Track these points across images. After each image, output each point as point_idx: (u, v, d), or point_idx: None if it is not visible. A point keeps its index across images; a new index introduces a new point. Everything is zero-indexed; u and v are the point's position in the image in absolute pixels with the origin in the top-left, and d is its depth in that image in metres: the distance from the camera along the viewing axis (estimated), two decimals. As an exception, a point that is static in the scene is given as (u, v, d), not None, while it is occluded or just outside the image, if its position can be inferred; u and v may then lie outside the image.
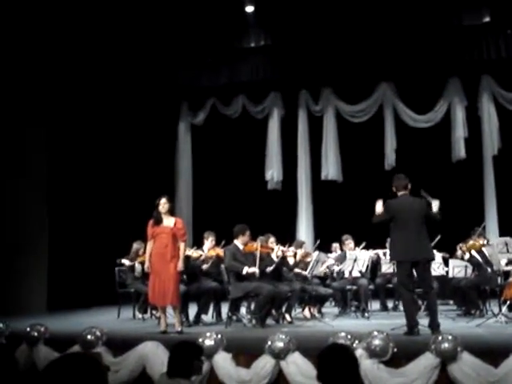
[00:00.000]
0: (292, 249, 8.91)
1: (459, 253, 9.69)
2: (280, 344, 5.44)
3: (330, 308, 9.83)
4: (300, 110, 13.20)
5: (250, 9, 11.52)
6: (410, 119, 12.51)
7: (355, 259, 8.88)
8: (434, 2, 11.07)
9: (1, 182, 10.34)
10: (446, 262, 9.26)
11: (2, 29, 9.94)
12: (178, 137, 13.78)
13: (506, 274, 8.54)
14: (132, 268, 9.17)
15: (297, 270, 8.91)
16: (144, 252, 8.19)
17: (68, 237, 11.10)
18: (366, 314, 8.73)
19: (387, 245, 9.49)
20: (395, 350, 5.27)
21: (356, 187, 12.52)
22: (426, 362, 5.10)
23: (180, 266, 7.12)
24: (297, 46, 12.10)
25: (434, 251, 8.61)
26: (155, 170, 12.58)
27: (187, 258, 7.86)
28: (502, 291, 8.14)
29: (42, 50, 10.58)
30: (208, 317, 8.51)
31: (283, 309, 8.20)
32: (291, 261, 8.83)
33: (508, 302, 7.88)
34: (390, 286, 9.35)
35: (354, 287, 9.08)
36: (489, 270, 8.45)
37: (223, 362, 5.57)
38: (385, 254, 9.63)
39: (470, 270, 8.76)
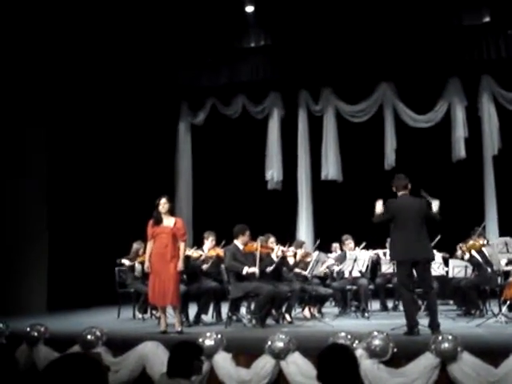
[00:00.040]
0: (292, 249, 8.91)
1: (459, 253, 9.69)
2: (280, 344, 5.44)
3: (330, 308, 9.82)
4: (300, 110, 13.21)
5: (249, 9, 11.52)
6: (410, 119, 12.51)
7: (355, 259, 8.88)
8: (434, 2, 11.07)
9: (1, 181, 10.34)
10: (446, 262, 9.27)
11: (3, 29, 9.93)
12: (178, 137, 13.78)
13: (506, 274, 8.54)
14: (132, 268, 9.17)
15: (297, 270, 8.91)
16: (144, 252, 8.19)
17: (68, 237, 11.10)
18: (366, 314, 8.73)
19: (387, 245, 9.50)
20: (395, 350, 5.27)
21: (356, 187, 12.52)
22: (426, 361, 5.10)
23: (180, 265, 7.12)
24: (297, 45, 12.10)
25: (434, 251, 8.63)
26: (155, 170, 12.58)
27: (187, 258, 7.86)
28: (501, 291, 8.14)
29: (43, 51, 10.58)
30: (208, 317, 8.51)
31: (283, 309, 8.20)
32: (291, 261, 8.83)
33: (508, 302, 7.88)
34: (390, 285, 9.35)
35: (354, 287, 9.08)
36: (489, 270, 8.45)
37: (223, 362, 5.57)
38: (385, 254, 9.63)
39: (470, 270, 8.76)
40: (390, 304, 9.81)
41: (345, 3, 11.17)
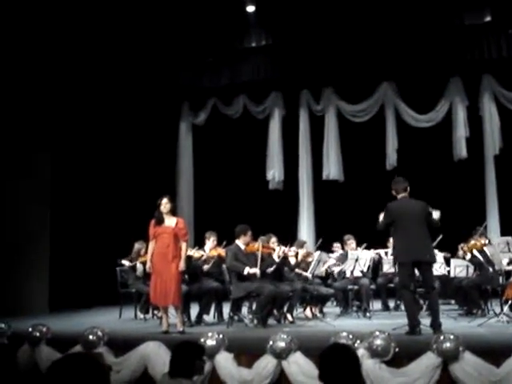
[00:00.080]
0: (293, 249, 8.91)
1: (460, 253, 9.68)
2: (282, 344, 5.44)
3: (331, 308, 9.83)
4: (301, 110, 13.20)
5: (250, 9, 11.53)
6: (412, 119, 12.51)
7: (357, 259, 8.88)
8: (436, 1, 11.07)
9: (3, 182, 10.36)
10: (447, 262, 9.27)
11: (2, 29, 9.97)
12: (179, 137, 13.78)
13: (508, 274, 8.53)
14: (133, 268, 9.18)
15: (298, 271, 8.91)
16: (146, 252, 8.20)
17: (70, 237, 11.12)
18: (368, 314, 8.73)
19: (388, 244, 9.53)
20: (397, 349, 5.27)
21: (357, 187, 12.53)
22: (428, 361, 5.10)
23: (182, 265, 7.13)
24: (298, 45, 12.10)
25: (436, 251, 8.65)
26: (156, 170, 12.59)
27: (189, 258, 7.86)
28: (503, 291, 8.14)
29: (43, 52, 10.59)
30: (210, 317, 8.51)
31: (285, 309, 8.20)
32: (293, 261, 8.84)
33: (510, 302, 7.86)
34: (392, 285, 9.35)
35: (356, 287, 9.08)
36: (490, 269, 8.44)
37: (225, 361, 5.57)
38: (386, 254, 9.64)
39: (471, 270, 8.75)
40: (391, 304, 9.80)
41: (346, 3, 11.17)
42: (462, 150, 12.13)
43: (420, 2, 11.05)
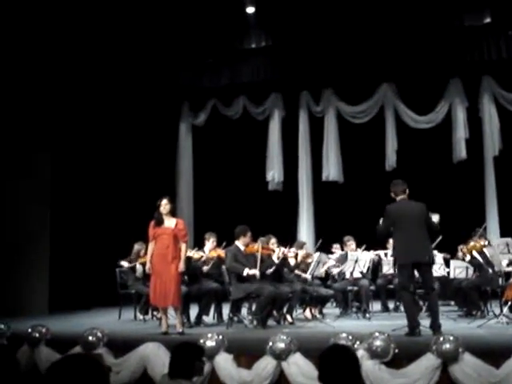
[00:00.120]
0: (293, 250, 8.91)
1: (460, 254, 9.69)
2: (281, 345, 5.44)
3: (331, 309, 9.83)
4: (301, 111, 13.21)
5: (250, 10, 11.53)
6: (411, 120, 12.51)
7: (356, 260, 8.88)
8: (435, 2, 11.07)
9: (3, 182, 10.36)
10: (447, 263, 9.27)
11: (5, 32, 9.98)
12: (179, 137, 13.79)
13: (507, 275, 8.53)
14: (133, 269, 9.18)
15: (297, 272, 8.91)
16: (145, 253, 8.20)
17: (69, 238, 11.11)
18: (367, 315, 8.73)
19: (388, 245, 9.53)
20: (396, 350, 5.27)
21: (357, 188, 12.54)
22: (428, 362, 5.10)
23: (181, 266, 7.13)
24: (298, 46, 12.11)
25: (435, 252, 8.66)
26: (156, 171, 12.59)
27: (188, 259, 7.85)
28: (503, 292, 8.14)
29: (43, 52, 10.59)
30: (209, 318, 8.50)
31: (284, 310, 8.20)
32: (292, 262, 8.84)
33: (509, 303, 7.86)
34: (391, 286, 9.34)
35: (355, 288, 9.08)
36: (490, 270, 8.44)
37: (224, 362, 5.57)
38: (386, 255, 9.65)
39: (471, 271, 8.76)
40: (391, 305, 9.81)
41: (346, 4, 11.18)
42: (461, 151, 12.14)
43: (420, 4, 11.06)
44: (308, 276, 8.79)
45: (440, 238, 8.48)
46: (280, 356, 5.40)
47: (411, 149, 12.39)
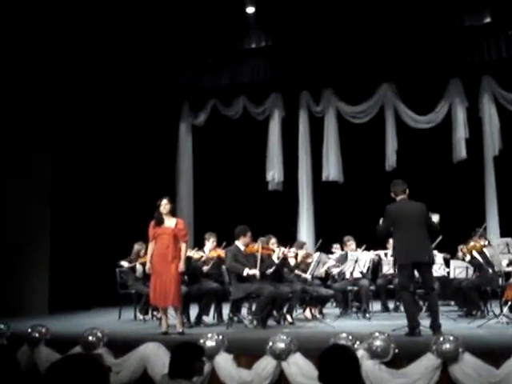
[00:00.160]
0: (293, 250, 8.91)
1: (460, 254, 9.69)
2: (281, 345, 5.44)
3: (331, 309, 9.83)
4: (301, 111, 13.21)
5: (250, 10, 11.52)
6: (411, 120, 12.51)
7: (356, 260, 8.88)
8: (435, 2, 11.07)
9: (3, 182, 10.36)
10: (447, 263, 9.27)
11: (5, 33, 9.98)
12: (179, 137, 13.78)
13: (507, 275, 8.53)
14: (133, 269, 9.18)
15: (297, 272, 8.91)
16: (145, 253, 8.20)
17: (69, 238, 11.11)
18: (367, 315, 8.73)
19: (388, 245, 9.53)
20: (396, 350, 5.27)
21: (357, 188, 12.54)
22: (428, 362, 5.10)
23: (181, 266, 7.12)
24: (298, 46, 12.11)
25: (436, 252, 8.66)
26: (156, 171, 12.59)
27: (188, 259, 7.85)
28: (503, 292, 8.14)
29: (43, 52, 10.59)
30: (209, 318, 8.50)
31: (284, 310, 8.20)
32: (292, 262, 8.84)
33: (509, 303, 7.86)
34: (391, 286, 9.34)
35: (355, 288, 9.08)
36: (490, 270, 8.44)
37: (224, 362, 5.57)
38: (386, 255, 9.65)
39: (471, 271, 8.76)
40: (391, 305, 9.81)
41: (346, 4, 11.18)
42: (461, 151, 12.14)
43: (420, 4, 11.06)
44: (308, 276, 8.78)
45: (440, 238, 8.48)
46: (280, 356, 5.40)
47: (411, 149, 12.39)
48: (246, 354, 5.72)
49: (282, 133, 13.28)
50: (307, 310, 8.83)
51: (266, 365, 5.44)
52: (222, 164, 13.33)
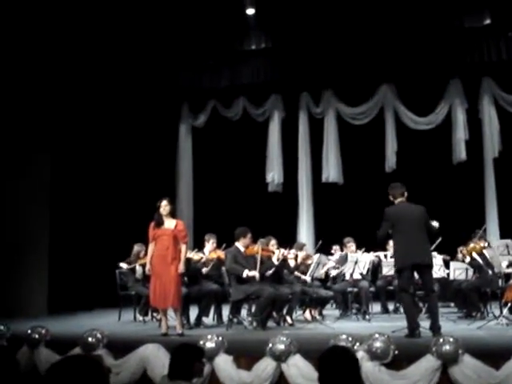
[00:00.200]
0: (293, 251, 8.91)
1: (460, 256, 9.69)
2: (281, 346, 5.43)
3: (330, 310, 9.82)
4: (301, 113, 13.21)
5: (250, 11, 11.52)
6: (411, 121, 12.52)
7: (356, 261, 8.88)
8: (436, 4, 11.08)
9: (3, 182, 10.35)
10: (446, 265, 9.26)
11: (7, 33, 9.99)
12: (179, 139, 13.78)
13: (507, 277, 8.54)
14: (133, 270, 9.17)
15: (297, 274, 8.91)
16: (145, 254, 8.20)
17: (69, 239, 11.11)
18: (367, 317, 8.73)
19: (388, 247, 9.54)
20: (396, 352, 5.27)
21: (357, 189, 12.54)
22: (427, 364, 5.09)
23: (181, 268, 7.12)
24: (297, 48, 12.11)
25: (435, 253, 8.67)
26: (156, 172, 12.58)
27: (188, 261, 7.85)
28: (502, 293, 8.15)
29: (43, 52, 10.60)
30: (209, 319, 8.50)
31: (284, 311, 8.20)
32: (292, 263, 8.84)
33: (509, 305, 7.87)
34: (391, 288, 9.34)
35: (355, 289, 9.08)
36: (490, 272, 8.45)
37: (224, 364, 5.57)
38: (386, 257, 9.65)
39: (471, 273, 8.77)
40: (390, 306, 9.81)
41: (345, 5, 11.18)
42: (461, 152, 12.14)
43: (420, 5, 11.06)
44: (308, 277, 8.78)
45: (440, 239, 8.48)
46: (280, 357, 5.40)
47: (411, 150, 12.39)
48: (246, 356, 5.71)
49: (281, 134, 13.28)
50: (307, 312, 8.82)
51: (265, 366, 5.43)
52: (221, 165, 13.33)
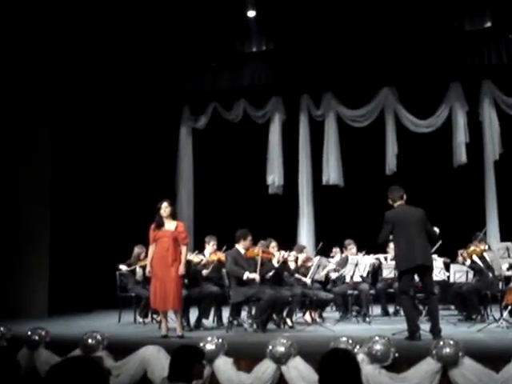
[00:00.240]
0: (293, 253, 8.91)
1: (460, 259, 9.68)
2: (281, 348, 5.42)
3: (330, 313, 9.82)
4: (301, 115, 13.21)
5: (251, 14, 11.53)
6: (411, 124, 12.51)
7: (356, 264, 8.88)
8: (436, 7, 11.08)
9: (3, 182, 10.36)
10: (447, 267, 9.26)
11: (9, 31, 9.98)
12: (180, 141, 13.78)
13: (508, 279, 8.53)
14: (133, 272, 9.17)
15: (297, 276, 8.91)
16: (145, 256, 8.20)
17: (69, 240, 11.11)
18: (367, 319, 8.72)
19: (388, 250, 9.53)
20: (396, 354, 5.26)
21: (357, 192, 12.53)
22: (428, 367, 5.09)
23: (181, 269, 7.12)
24: (298, 50, 12.12)
25: (436, 256, 8.66)
26: (157, 174, 12.59)
27: (188, 263, 7.85)
28: (503, 296, 8.15)
29: (49, 56, 10.62)
30: (209, 321, 8.50)
31: (284, 313, 8.20)
32: (292, 265, 8.84)
33: (509, 307, 7.87)
34: (391, 290, 9.34)
35: (355, 292, 9.07)
36: (490, 275, 8.44)
37: (224, 366, 5.56)
38: (386, 259, 9.65)
39: (471, 275, 8.76)
40: (391, 309, 9.81)
41: (346, 8, 11.19)
42: (461, 155, 12.13)
43: (420, 8, 11.07)
44: (308, 280, 8.78)
45: (440, 242, 8.48)
46: (280, 360, 5.39)
47: (411, 153, 12.39)
48: (246, 358, 5.71)
49: (282, 136, 13.27)
50: (307, 314, 8.82)
51: (265, 368, 5.43)
52: (222, 167, 13.33)
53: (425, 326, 6.70)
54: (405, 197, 6.93)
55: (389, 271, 9.20)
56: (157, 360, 5.76)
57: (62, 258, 10.86)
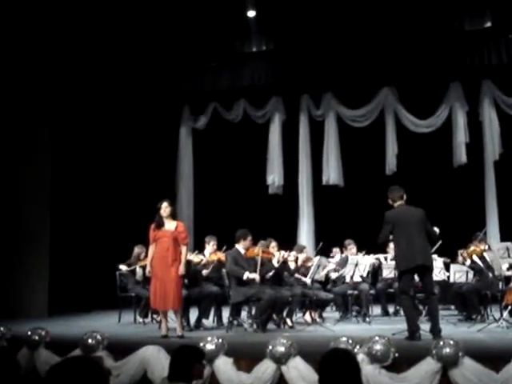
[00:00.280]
0: (293, 253, 8.91)
1: (460, 259, 9.68)
2: (281, 348, 5.42)
3: (330, 313, 9.82)
4: (301, 115, 13.21)
5: (251, 14, 11.53)
6: (412, 124, 12.51)
7: (356, 264, 8.88)
8: (436, 7, 11.08)
9: (3, 182, 10.36)
10: (447, 267, 9.26)
11: (9, 31, 9.98)
12: (180, 141, 13.78)
13: (508, 279, 8.53)
14: (133, 272, 9.18)
15: (297, 276, 8.91)
16: (145, 256, 8.20)
17: (69, 240, 11.11)
18: (367, 319, 8.72)
19: (388, 250, 9.53)
20: (396, 354, 5.26)
21: (357, 192, 12.53)
22: (428, 367, 5.09)
23: (181, 269, 7.12)
24: (298, 50, 12.12)
25: (436, 256, 8.66)
26: (157, 174, 12.59)
27: (188, 263, 7.85)
28: (503, 296, 8.14)
29: (49, 57, 10.62)
30: (209, 321, 8.50)
31: (284, 313, 8.20)
32: (292, 265, 8.84)
33: (509, 307, 7.87)
34: (391, 290, 9.34)
35: (355, 292, 9.08)
36: (490, 275, 8.44)
37: (224, 366, 5.56)
38: (386, 259, 9.65)
39: (471, 275, 8.76)
40: (391, 309, 9.80)
41: (346, 8, 11.19)
42: (461, 155, 12.13)
43: (420, 8, 11.07)
44: (308, 280, 8.78)
45: (440, 242, 8.48)
46: (280, 360, 5.39)
47: (411, 153, 12.39)
48: (246, 358, 5.71)
49: (282, 136, 13.28)
50: (307, 314, 8.82)
51: (265, 368, 5.43)
52: (222, 167, 13.33)
53: (425, 326, 6.70)
54: (405, 197, 6.93)
55: (389, 271, 9.20)
56: (157, 360, 5.76)
57: (62, 258, 10.86)
